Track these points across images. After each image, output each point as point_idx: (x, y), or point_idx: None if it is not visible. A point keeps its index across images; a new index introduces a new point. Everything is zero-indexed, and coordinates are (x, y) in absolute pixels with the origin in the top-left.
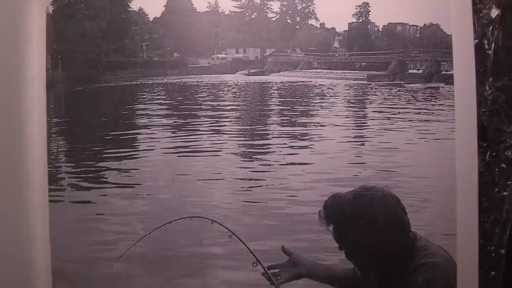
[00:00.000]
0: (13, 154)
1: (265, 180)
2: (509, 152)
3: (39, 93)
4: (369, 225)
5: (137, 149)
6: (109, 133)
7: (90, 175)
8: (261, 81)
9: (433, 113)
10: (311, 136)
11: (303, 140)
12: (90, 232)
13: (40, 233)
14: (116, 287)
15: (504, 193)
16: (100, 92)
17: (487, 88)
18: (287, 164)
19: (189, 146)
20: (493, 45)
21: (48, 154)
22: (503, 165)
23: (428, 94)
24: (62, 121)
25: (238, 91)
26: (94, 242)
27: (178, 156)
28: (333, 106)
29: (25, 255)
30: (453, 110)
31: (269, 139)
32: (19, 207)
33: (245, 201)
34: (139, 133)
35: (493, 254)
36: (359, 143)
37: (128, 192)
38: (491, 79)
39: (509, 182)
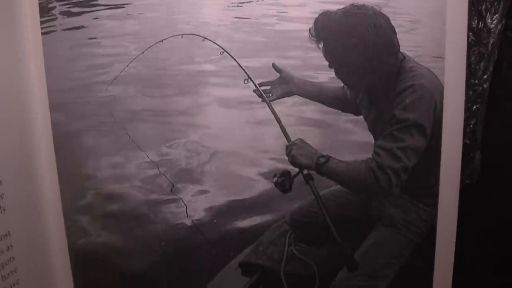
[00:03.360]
0: None
1: None
2: None
3: None
4: (358, 43)
5: None
6: None
7: None
8: None
9: None
10: None
11: None
12: (84, 58)
13: (35, 68)
14: (112, 109)
15: (491, 26)
16: None
17: None
18: None
19: None
20: None
21: None
22: None
23: None
24: None
25: None
26: (88, 67)
27: None
28: None
29: (22, 91)
30: None
31: None
32: (11, 43)
33: (235, 17)
34: None
35: (476, 88)
36: None
37: (119, 12)
38: None
39: (496, 15)
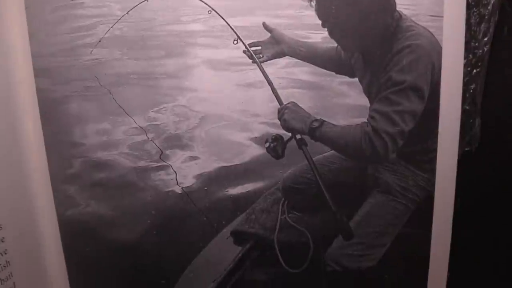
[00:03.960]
0: None
1: None
2: None
3: None
4: (352, 0)
5: None
6: None
7: None
8: None
9: None
10: None
11: None
12: (67, 20)
13: (18, 33)
14: (97, 73)
15: None
16: None
17: None
18: None
19: None
20: None
21: None
22: None
23: None
24: None
25: None
26: (72, 29)
27: None
28: None
29: (6, 57)
30: None
31: None
32: None
33: None
34: None
35: (476, 51)
36: None
37: None
38: None
39: None
